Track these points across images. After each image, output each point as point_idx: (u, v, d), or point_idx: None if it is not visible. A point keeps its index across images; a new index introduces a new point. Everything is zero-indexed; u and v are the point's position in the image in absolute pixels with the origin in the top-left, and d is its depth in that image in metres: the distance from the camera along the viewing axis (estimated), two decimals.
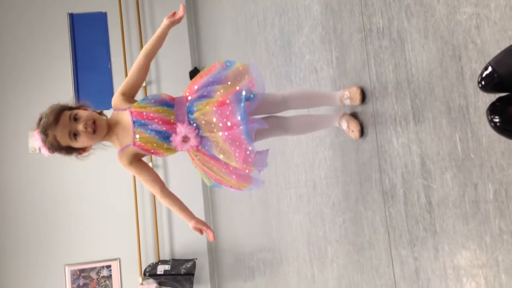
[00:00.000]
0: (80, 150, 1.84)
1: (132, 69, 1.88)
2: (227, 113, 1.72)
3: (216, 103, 1.74)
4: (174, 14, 1.90)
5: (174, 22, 1.89)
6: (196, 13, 6.28)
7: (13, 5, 6.07)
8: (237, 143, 1.73)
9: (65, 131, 1.74)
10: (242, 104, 1.71)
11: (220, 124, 1.74)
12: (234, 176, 1.83)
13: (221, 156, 1.78)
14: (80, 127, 1.74)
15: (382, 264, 1.87)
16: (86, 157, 1.88)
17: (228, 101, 1.73)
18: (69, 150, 1.81)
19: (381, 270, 1.88)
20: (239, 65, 1.86)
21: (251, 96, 1.76)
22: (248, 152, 1.73)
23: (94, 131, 1.76)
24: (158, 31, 1.88)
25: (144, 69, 1.88)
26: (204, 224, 1.90)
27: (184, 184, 6.09)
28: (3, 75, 5.95)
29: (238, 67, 1.85)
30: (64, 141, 1.76)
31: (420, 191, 1.59)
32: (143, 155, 1.91)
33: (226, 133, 1.73)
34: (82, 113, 1.77)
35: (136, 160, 1.88)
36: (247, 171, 1.81)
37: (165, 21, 1.88)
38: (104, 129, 1.81)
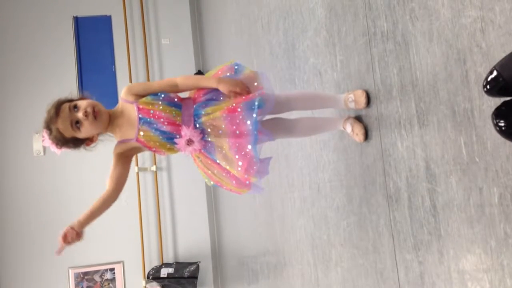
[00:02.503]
0: (87, 141, 1.83)
1: (160, 84, 1.86)
2: (237, 121, 1.71)
3: (226, 109, 1.72)
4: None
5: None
6: (200, 15, 6.30)
7: (18, 9, 6.11)
8: (242, 153, 1.71)
9: (66, 122, 1.74)
10: (254, 115, 1.69)
11: (229, 131, 1.72)
12: (234, 181, 1.82)
13: (223, 163, 1.77)
14: (80, 115, 1.74)
15: (387, 268, 1.86)
16: (94, 148, 1.87)
17: (239, 109, 1.71)
18: (76, 142, 1.81)
19: (386, 274, 1.87)
20: (249, 71, 1.84)
21: (262, 104, 1.74)
22: (251, 164, 1.72)
23: (95, 118, 1.76)
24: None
25: (164, 91, 1.85)
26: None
27: (188, 187, 6.11)
28: (8, 77, 5.98)
29: (249, 74, 1.83)
30: (68, 132, 1.76)
31: (424, 195, 1.59)
32: (139, 152, 1.91)
33: (233, 141, 1.72)
34: (82, 102, 1.77)
35: (125, 155, 1.86)
36: (247, 182, 1.80)
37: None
38: (106, 116, 1.80)
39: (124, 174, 1.87)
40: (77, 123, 1.75)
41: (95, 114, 1.76)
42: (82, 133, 1.78)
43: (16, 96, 5.94)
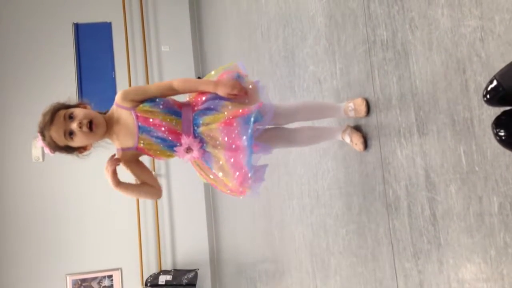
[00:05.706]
0: (80, 149, 1.80)
1: (157, 87, 1.83)
2: (233, 135, 1.70)
3: (223, 122, 1.72)
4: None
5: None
6: (200, 23, 6.32)
7: (19, 15, 6.12)
8: (238, 167, 1.73)
9: (60, 131, 1.70)
10: (250, 130, 1.69)
11: (225, 144, 1.73)
12: (229, 190, 1.84)
13: (220, 174, 1.78)
14: (75, 125, 1.69)
15: (386, 276, 1.86)
16: (87, 156, 1.84)
17: (235, 123, 1.71)
18: (68, 149, 1.77)
19: (385, 282, 1.87)
20: (250, 83, 1.84)
21: (259, 117, 1.74)
22: (245, 178, 1.74)
23: (91, 130, 1.71)
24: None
25: (161, 94, 1.83)
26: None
27: (186, 194, 6.10)
28: (8, 83, 5.98)
29: (248, 86, 1.83)
30: (61, 141, 1.72)
31: (424, 204, 1.58)
32: (141, 155, 1.89)
33: (229, 154, 1.72)
34: (78, 112, 1.72)
35: (133, 160, 1.84)
36: (241, 195, 1.82)
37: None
38: (103, 128, 1.76)
39: (146, 174, 1.85)
40: (70, 134, 1.71)
41: (91, 126, 1.71)
42: (75, 143, 1.75)
43: (15, 102, 5.94)
